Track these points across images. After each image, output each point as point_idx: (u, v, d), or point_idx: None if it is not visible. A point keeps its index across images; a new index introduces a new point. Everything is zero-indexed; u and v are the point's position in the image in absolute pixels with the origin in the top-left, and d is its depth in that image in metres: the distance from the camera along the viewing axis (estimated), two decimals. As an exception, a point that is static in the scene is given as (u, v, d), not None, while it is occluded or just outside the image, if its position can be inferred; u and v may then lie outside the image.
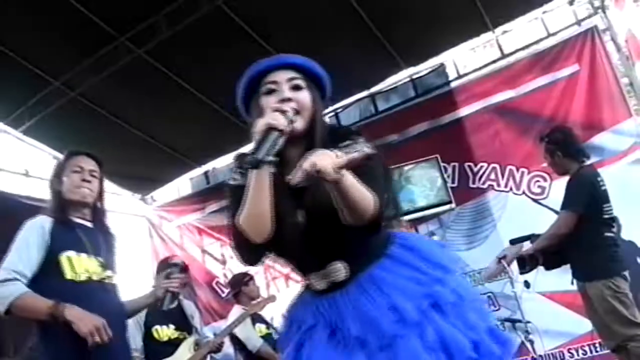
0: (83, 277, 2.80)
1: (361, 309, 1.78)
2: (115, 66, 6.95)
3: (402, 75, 8.13)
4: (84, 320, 2.57)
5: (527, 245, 5.03)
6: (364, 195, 1.69)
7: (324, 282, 1.90)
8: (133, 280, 8.72)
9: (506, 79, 7.23)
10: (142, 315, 4.62)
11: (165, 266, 4.99)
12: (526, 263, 4.72)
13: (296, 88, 1.89)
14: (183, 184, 9.67)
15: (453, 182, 7.04)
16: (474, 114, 7.27)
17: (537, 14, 7.36)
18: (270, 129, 1.67)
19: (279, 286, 8.13)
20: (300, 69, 1.92)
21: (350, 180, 1.64)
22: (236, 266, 8.23)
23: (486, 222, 6.92)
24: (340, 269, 1.86)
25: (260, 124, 1.69)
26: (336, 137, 1.87)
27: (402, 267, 1.85)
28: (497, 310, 6.66)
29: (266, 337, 5.93)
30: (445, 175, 6.77)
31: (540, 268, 4.79)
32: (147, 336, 4.70)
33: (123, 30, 6.75)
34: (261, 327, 6.05)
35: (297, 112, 1.82)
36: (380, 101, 8.22)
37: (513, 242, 5.39)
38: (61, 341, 2.66)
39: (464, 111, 7.33)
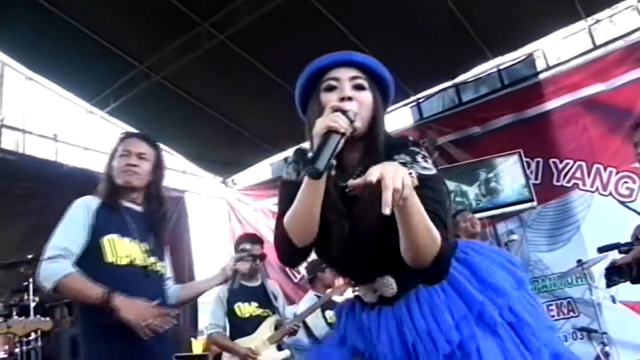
0: (124, 262, 2.74)
1: (403, 329, 1.72)
2: (197, 51, 7.05)
3: (489, 66, 7.84)
4: (139, 313, 2.55)
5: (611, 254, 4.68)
6: (429, 226, 1.55)
7: (373, 295, 1.83)
8: (212, 260, 8.94)
9: (597, 71, 6.82)
10: (225, 292, 4.75)
11: (239, 241, 5.08)
12: (619, 272, 4.22)
13: (358, 87, 1.77)
14: (263, 169, 9.77)
15: (536, 179, 6.74)
16: (562, 107, 6.91)
17: (633, 1, 6.90)
18: (330, 131, 1.56)
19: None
20: (364, 69, 1.80)
21: (417, 205, 1.51)
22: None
23: (569, 222, 6.57)
24: (390, 284, 1.78)
25: (320, 126, 1.59)
26: (392, 148, 1.76)
27: (453, 288, 1.75)
28: (576, 317, 6.37)
29: (334, 325, 5.89)
30: (528, 171, 6.52)
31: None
32: (230, 313, 4.80)
33: (205, 16, 6.84)
34: (331, 315, 6.01)
35: (356, 113, 1.68)
36: (464, 92, 7.96)
37: (601, 250, 5.01)
38: (105, 325, 2.61)
39: (551, 104, 6.98)
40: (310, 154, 1.61)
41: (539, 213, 6.67)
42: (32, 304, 5.57)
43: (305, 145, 1.83)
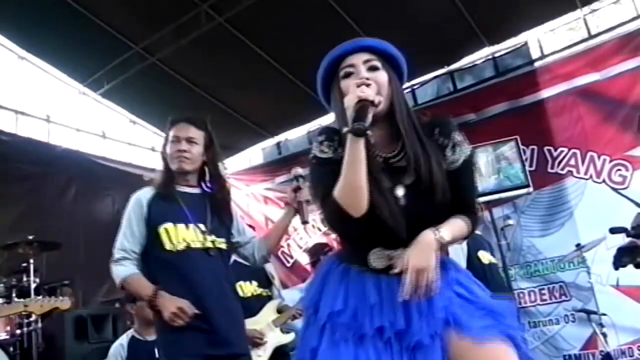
0: (181, 247, 2.83)
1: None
2: (195, 33, 7.01)
3: (484, 54, 7.92)
4: (167, 307, 2.69)
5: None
6: (462, 231, 1.91)
7: (385, 260, 1.91)
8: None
9: (592, 60, 6.88)
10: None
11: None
12: (632, 253, 4.36)
13: (373, 69, 1.91)
14: (255, 154, 9.78)
15: (531, 166, 6.80)
16: (556, 96, 6.98)
17: (628, -9, 6.99)
18: (361, 100, 1.74)
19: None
20: (375, 51, 1.95)
21: (450, 235, 1.86)
22: (298, 238, 8.31)
23: (563, 209, 6.67)
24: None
25: (350, 99, 1.76)
26: (433, 129, 1.95)
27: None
28: (568, 300, 6.48)
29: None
30: (524, 158, 6.59)
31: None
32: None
33: (205, -2, 6.79)
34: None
35: (377, 92, 1.83)
36: (459, 79, 8.03)
37: (613, 230, 5.10)
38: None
39: (545, 93, 7.05)
40: (350, 119, 1.73)
41: (533, 199, 6.76)
42: (33, 285, 5.56)
43: (327, 123, 2.01)
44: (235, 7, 6.73)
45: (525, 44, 7.61)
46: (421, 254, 1.78)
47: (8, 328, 5.37)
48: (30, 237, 5.68)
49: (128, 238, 2.87)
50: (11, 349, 5.23)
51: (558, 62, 7.20)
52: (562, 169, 6.79)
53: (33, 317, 5.23)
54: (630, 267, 4.57)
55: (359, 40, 1.98)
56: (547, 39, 7.56)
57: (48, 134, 7.91)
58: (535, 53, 7.56)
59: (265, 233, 3.42)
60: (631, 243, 4.43)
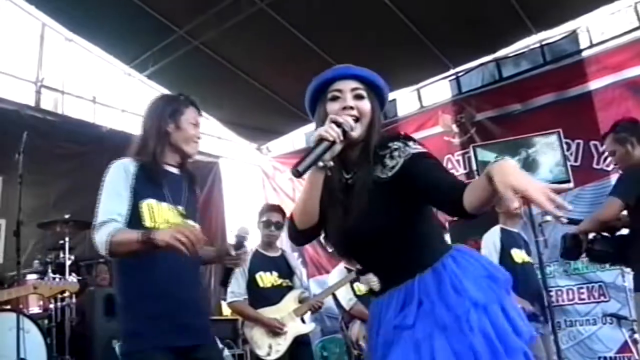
0: (162, 227, 2.67)
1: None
2: (237, 17, 7.02)
3: (532, 40, 7.64)
4: (169, 234, 2.43)
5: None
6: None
7: (365, 287, 2.22)
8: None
9: (641, 51, 6.63)
10: (247, 261, 4.62)
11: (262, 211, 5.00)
12: (566, 242, 4.33)
13: (358, 97, 2.07)
14: (298, 137, 9.78)
15: (575, 161, 6.62)
16: (604, 88, 6.74)
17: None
18: (321, 139, 1.91)
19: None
20: (364, 81, 2.10)
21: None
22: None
23: (606, 207, 6.45)
24: (372, 280, 2.11)
25: (315, 135, 1.95)
26: (385, 140, 2.06)
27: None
28: (607, 301, 6.30)
29: (362, 297, 5.91)
30: (568, 153, 6.38)
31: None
32: (251, 282, 4.76)
33: (248, -18, 6.78)
34: (360, 287, 6.05)
35: (357, 119, 2.02)
36: (505, 67, 7.81)
37: (571, 221, 4.96)
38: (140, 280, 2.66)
39: (593, 84, 6.81)
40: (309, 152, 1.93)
41: (576, 195, 6.55)
42: (68, 262, 5.71)
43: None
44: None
45: (574, 31, 7.33)
46: (514, 173, 1.57)
47: (41, 302, 5.54)
48: (67, 217, 5.82)
49: (114, 200, 2.64)
50: (46, 321, 5.42)
51: (607, 52, 6.95)
52: (608, 166, 6.55)
53: (67, 293, 5.34)
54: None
55: (350, 67, 2.12)
56: (597, 27, 7.25)
57: (94, 115, 8.07)
58: (584, 42, 7.28)
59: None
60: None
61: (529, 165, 6.25)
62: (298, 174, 1.87)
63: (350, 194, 2.04)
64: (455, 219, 7.34)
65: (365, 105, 2.07)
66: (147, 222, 2.67)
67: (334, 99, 2.07)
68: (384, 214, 1.96)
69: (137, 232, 2.50)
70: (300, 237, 2.16)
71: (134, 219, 2.66)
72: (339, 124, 1.95)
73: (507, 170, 1.56)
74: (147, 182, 2.74)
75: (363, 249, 2.08)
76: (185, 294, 2.71)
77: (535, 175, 6.11)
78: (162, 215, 2.72)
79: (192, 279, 2.84)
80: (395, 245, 1.99)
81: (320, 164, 1.92)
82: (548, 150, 6.10)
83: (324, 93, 2.10)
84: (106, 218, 2.59)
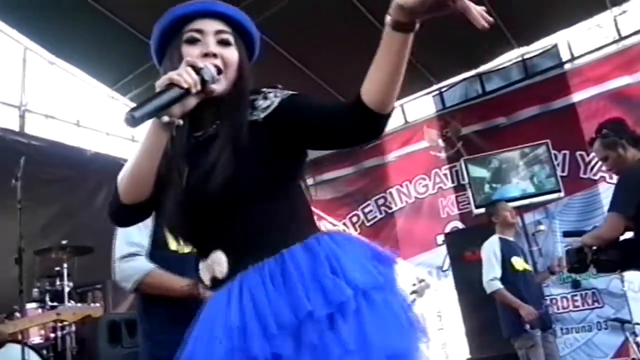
0: (187, 249, 2.49)
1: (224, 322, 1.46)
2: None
3: (513, 55, 7.82)
4: None
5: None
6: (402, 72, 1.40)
7: (208, 275, 1.60)
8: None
9: (623, 63, 6.84)
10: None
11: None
12: (572, 257, 4.13)
13: (224, 43, 1.59)
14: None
15: (563, 171, 6.77)
16: (588, 99, 6.93)
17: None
18: (172, 84, 1.41)
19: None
20: (230, 22, 1.62)
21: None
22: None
23: (595, 215, 6.57)
24: (220, 262, 1.55)
25: (163, 78, 1.44)
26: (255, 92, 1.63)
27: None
28: (601, 307, 6.43)
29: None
30: (555, 163, 6.53)
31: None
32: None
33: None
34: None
35: (220, 71, 1.53)
36: (487, 81, 7.94)
37: (566, 234, 5.10)
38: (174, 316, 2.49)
39: (577, 96, 7.00)
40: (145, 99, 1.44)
41: (566, 205, 6.71)
42: (67, 289, 5.59)
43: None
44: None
45: (555, 46, 7.52)
46: None
47: (42, 332, 5.41)
48: (64, 242, 5.72)
49: (137, 231, 2.58)
50: (44, 352, 5.29)
51: (589, 65, 7.14)
52: (595, 175, 6.73)
53: (67, 322, 5.23)
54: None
55: (214, 3, 1.64)
56: (577, 41, 7.45)
57: (78, 138, 7.97)
58: (565, 55, 7.46)
59: None
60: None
61: (517, 177, 6.39)
62: (133, 122, 1.37)
63: (205, 150, 1.53)
64: (448, 231, 7.39)
65: (232, 54, 1.59)
66: (173, 246, 2.61)
67: (192, 41, 1.59)
68: (253, 165, 1.51)
69: (183, 283, 2.45)
70: (124, 214, 1.63)
71: (160, 242, 2.62)
72: (197, 70, 1.46)
73: None
74: None
75: (217, 216, 1.51)
76: None
77: (526, 186, 6.25)
78: None
79: None
80: (262, 209, 1.50)
81: (166, 118, 1.44)
82: (537, 161, 6.25)
83: (178, 33, 1.62)
84: (132, 250, 2.58)
